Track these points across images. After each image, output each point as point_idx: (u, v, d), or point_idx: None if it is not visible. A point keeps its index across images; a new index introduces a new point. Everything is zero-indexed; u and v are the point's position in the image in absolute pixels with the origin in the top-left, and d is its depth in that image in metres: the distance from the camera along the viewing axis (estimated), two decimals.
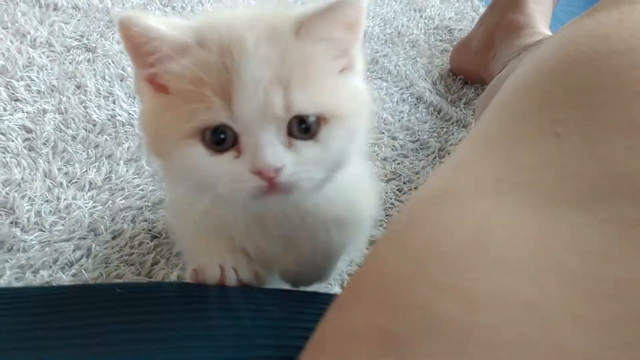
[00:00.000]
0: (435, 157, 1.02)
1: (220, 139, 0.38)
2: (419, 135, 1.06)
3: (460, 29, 1.46)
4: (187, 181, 0.41)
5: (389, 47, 1.33)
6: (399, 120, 1.09)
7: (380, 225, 0.86)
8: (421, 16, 1.49)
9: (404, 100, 1.16)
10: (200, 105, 0.36)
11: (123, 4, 1.24)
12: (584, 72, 0.30)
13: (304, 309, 0.43)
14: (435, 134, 1.08)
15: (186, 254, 0.53)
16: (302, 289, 0.57)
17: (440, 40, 1.41)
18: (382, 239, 0.31)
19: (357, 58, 0.43)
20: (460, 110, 1.16)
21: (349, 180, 0.46)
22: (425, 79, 1.24)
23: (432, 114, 1.14)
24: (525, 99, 0.32)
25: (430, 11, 1.52)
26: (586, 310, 0.19)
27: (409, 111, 1.13)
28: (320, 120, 0.39)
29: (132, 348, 0.38)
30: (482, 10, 1.58)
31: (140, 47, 0.38)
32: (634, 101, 0.26)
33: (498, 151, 0.30)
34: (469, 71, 1.23)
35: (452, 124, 1.12)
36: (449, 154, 1.04)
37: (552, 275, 0.21)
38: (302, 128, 0.38)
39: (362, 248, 0.59)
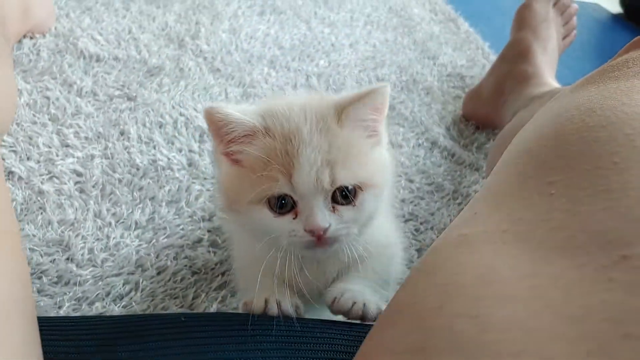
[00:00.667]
0: (449, 199, 1.10)
1: (282, 204, 0.51)
2: (434, 178, 1.14)
3: (472, 76, 1.55)
4: (253, 232, 0.54)
5: (404, 94, 1.42)
6: (415, 164, 1.17)
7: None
8: (434, 64, 1.58)
9: (419, 145, 1.24)
10: (268, 179, 0.49)
11: (159, 55, 1.34)
12: (574, 142, 0.37)
13: (339, 335, 0.51)
14: (449, 177, 1.16)
15: (242, 289, 0.65)
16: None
17: (453, 87, 1.49)
18: (411, 277, 0.39)
19: (383, 133, 0.56)
20: (472, 154, 1.24)
21: (382, 237, 0.59)
22: (439, 125, 1.32)
23: (446, 157, 1.22)
24: (526, 163, 0.40)
25: (443, 59, 1.61)
26: (564, 330, 0.26)
27: (424, 155, 1.21)
28: (357, 188, 0.51)
29: None
30: (492, 57, 1.67)
31: (221, 128, 0.51)
32: (610, 170, 0.33)
33: (504, 206, 0.38)
34: (480, 117, 1.32)
35: (465, 167, 1.20)
36: (462, 195, 1.11)
37: (541, 305, 0.28)
38: (343, 195, 0.51)
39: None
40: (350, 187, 0.51)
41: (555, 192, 0.35)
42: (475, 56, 1.66)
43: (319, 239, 0.50)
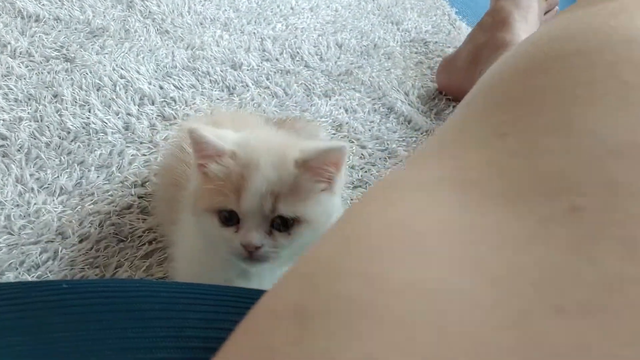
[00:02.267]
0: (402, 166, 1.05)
1: (229, 217, 0.56)
2: (388, 144, 1.09)
3: (436, 42, 1.50)
4: (204, 237, 0.60)
5: (364, 59, 1.36)
6: (369, 130, 1.12)
7: None
8: (398, 29, 1.52)
9: (375, 110, 1.19)
10: (221, 194, 0.55)
11: (104, 16, 1.27)
12: (541, 72, 0.30)
13: (237, 304, 0.46)
14: (404, 143, 1.11)
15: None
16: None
17: (416, 53, 1.44)
18: (330, 228, 0.33)
19: (337, 184, 0.60)
20: (431, 120, 1.19)
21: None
22: (397, 90, 1.27)
23: (402, 123, 1.17)
24: (483, 100, 0.32)
25: (407, 24, 1.55)
26: (480, 292, 0.20)
27: (380, 121, 1.16)
28: (295, 221, 0.56)
29: (73, 341, 0.40)
30: (459, 24, 1.62)
31: (198, 145, 0.57)
32: (578, 104, 0.26)
33: (448, 151, 0.31)
34: (454, 87, 1.26)
35: (422, 133, 1.15)
36: None
37: (461, 264, 0.22)
38: (283, 223, 0.56)
39: None
40: (288, 218, 0.56)
41: (508, 132, 0.28)
42: (441, 22, 1.61)
43: (250, 255, 0.56)
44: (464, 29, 1.60)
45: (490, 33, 1.20)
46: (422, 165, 0.30)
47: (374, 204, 0.29)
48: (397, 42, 1.46)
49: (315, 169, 0.57)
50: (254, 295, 0.47)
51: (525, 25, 1.19)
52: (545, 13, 1.30)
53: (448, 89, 1.28)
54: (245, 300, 0.46)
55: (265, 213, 0.55)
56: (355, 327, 0.21)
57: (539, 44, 0.32)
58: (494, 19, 1.23)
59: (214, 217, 0.57)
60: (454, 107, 1.26)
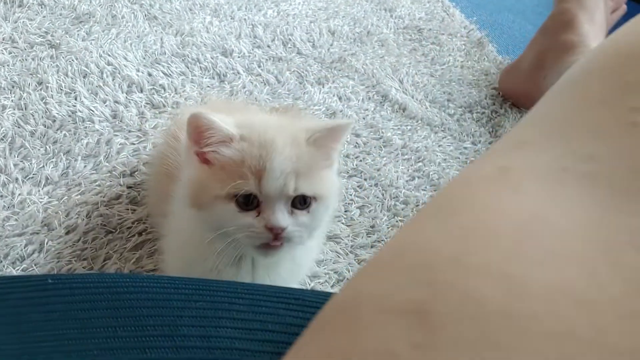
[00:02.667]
0: (398, 155, 1.03)
1: (247, 202, 0.55)
2: (382, 132, 1.07)
3: (430, 29, 1.47)
4: (211, 225, 0.57)
5: (357, 46, 1.33)
6: (364, 118, 1.10)
7: (339, 220, 0.87)
8: (391, 16, 1.49)
9: (369, 98, 1.16)
10: (240, 178, 0.54)
11: (90, 1, 1.23)
12: None
13: (234, 300, 0.43)
14: (399, 132, 1.09)
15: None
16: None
17: (410, 40, 1.41)
18: (423, 213, 0.28)
19: (335, 160, 0.62)
20: (426, 108, 1.17)
21: (305, 247, 0.64)
22: (392, 78, 1.24)
23: (397, 111, 1.14)
24: (598, 84, 0.29)
25: (400, 11, 1.52)
26: (636, 306, 0.18)
27: (374, 109, 1.13)
28: (312, 199, 0.57)
29: (56, 339, 0.38)
30: (452, 10, 1.60)
31: (202, 132, 0.55)
32: None
33: (565, 137, 0.27)
34: (518, 94, 1.24)
35: (417, 121, 1.13)
36: (411, 151, 1.04)
37: (609, 270, 0.19)
38: (301, 202, 0.57)
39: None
40: (308, 196, 0.56)
41: None
42: (434, 9, 1.58)
43: (276, 237, 0.55)
44: (458, 16, 1.57)
45: (554, 37, 1.16)
46: (537, 149, 0.27)
47: (493, 192, 0.25)
48: (391, 29, 1.44)
49: (323, 146, 0.58)
50: (255, 290, 0.45)
51: (592, 27, 1.15)
52: (612, 12, 1.26)
53: (512, 95, 1.26)
54: (244, 295, 0.44)
55: (288, 193, 0.55)
56: (493, 336, 0.18)
57: None
58: (558, 21, 1.19)
59: (231, 204, 0.56)
60: (449, 95, 1.24)
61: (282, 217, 0.55)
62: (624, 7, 1.29)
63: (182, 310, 0.42)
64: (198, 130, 0.56)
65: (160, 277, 0.45)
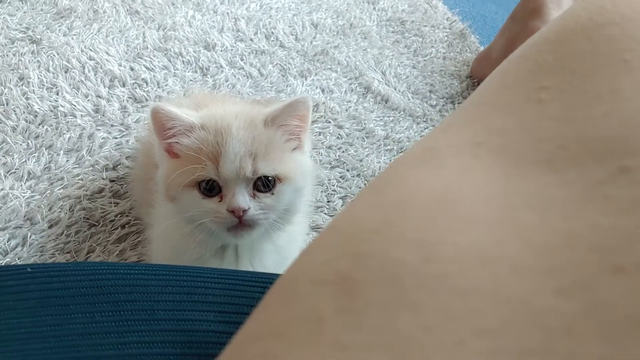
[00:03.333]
0: (380, 145, 1.04)
1: (211, 187, 0.56)
2: (365, 123, 1.08)
3: (413, 21, 1.48)
4: (183, 215, 0.59)
5: (340, 38, 1.34)
6: (346, 110, 1.11)
7: (321, 211, 0.88)
8: (374, 8, 1.50)
9: (352, 90, 1.17)
10: (199, 166, 0.55)
11: None
12: (577, 41, 0.29)
13: (210, 285, 0.44)
14: (381, 123, 1.10)
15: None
16: None
17: (393, 32, 1.42)
18: (359, 195, 0.31)
19: (305, 142, 0.62)
20: (409, 99, 1.18)
21: (289, 237, 0.66)
22: (375, 70, 1.25)
23: (379, 103, 1.15)
24: (517, 67, 0.32)
25: (383, 3, 1.53)
26: (532, 261, 0.19)
27: (357, 100, 1.14)
28: (276, 180, 0.57)
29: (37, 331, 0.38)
30: (435, 2, 1.61)
31: (164, 124, 0.57)
32: (618, 69, 0.26)
33: (483, 116, 0.30)
34: None
35: (399, 112, 1.14)
36: (394, 141, 1.05)
37: (510, 231, 0.21)
38: (264, 184, 0.57)
39: None
40: (270, 177, 0.57)
41: (547, 98, 0.27)
42: (417, 1, 1.59)
43: (240, 220, 0.56)
44: (440, 8, 1.58)
45: (523, 23, 1.18)
46: (458, 129, 0.29)
47: (417, 170, 0.28)
48: (374, 21, 1.44)
49: (284, 126, 0.59)
50: (231, 276, 0.45)
51: (560, 12, 1.17)
52: None
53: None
54: (220, 280, 0.45)
55: (246, 175, 0.55)
56: (410, 296, 0.20)
57: (576, 14, 0.31)
58: (527, 8, 1.21)
59: (194, 191, 0.57)
60: (431, 86, 1.25)
61: (242, 199, 0.56)
62: None
63: (159, 295, 0.42)
64: (160, 123, 0.57)
65: (138, 264, 0.46)
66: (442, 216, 0.23)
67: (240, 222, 0.56)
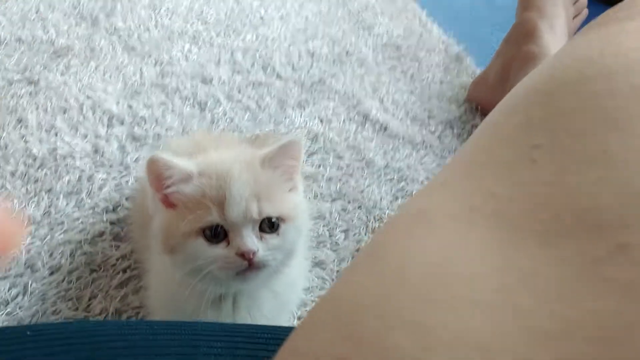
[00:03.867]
0: (380, 175, 1.03)
1: (216, 233, 0.56)
2: (364, 153, 1.08)
3: (409, 45, 1.48)
4: (186, 266, 0.57)
5: (337, 66, 1.34)
6: (345, 140, 1.11)
7: (324, 246, 0.87)
8: (369, 34, 1.51)
9: (350, 119, 1.17)
10: (203, 212, 0.55)
11: (68, 35, 1.24)
12: (565, 96, 0.28)
13: (213, 344, 0.43)
14: (381, 152, 1.10)
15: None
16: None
17: (389, 58, 1.43)
18: (354, 262, 0.30)
19: (298, 182, 0.62)
20: (407, 126, 1.18)
21: (288, 281, 0.66)
22: (372, 97, 1.25)
23: (378, 131, 1.15)
24: (507, 122, 0.31)
25: (378, 29, 1.54)
26: (534, 352, 0.19)
27: (355, 130, 1.14)
28: (280, 220, 0.58)
29: None
30: (430, 26, 1.61)
31: (161, 175, 0.56)
32: (608, 130, 0.25)
33: (475, 176, 0.28)
34: (486, 104, 1.25)
35: (399, 140, 1.14)
36: (394, 171, 1.05)
37: (507, 315, 0.21)
38: (269, 226, 0.57)
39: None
40: (274, 219, 0.57)
41: (539, 159, 0.26)
42: (412, 25, 1.60)
43: (250, 263, 0.55)
44: (435, 31, 1.59)
45: (517, 47, 1.19)
46: (453, 188, 0.28)
47: (412, 236, 0.27)
48: (370, 47, 1.45)
49: (280, 167, 0.59)
50: (232, 332, 0.45)
51: (553, 35, 1.17)
52: (574, 17, 1.28)
53: (481, 105, 1.28)
54: (222, 338, 0.44)
55: (253, 217, 0.55)
56: None
57: (565, 64, 0.31)
58: (520, 31, 1.21)
59: (199, 239, 0.56)
60: (429, 112, 1.25)
61: (251, 242, 0.55)
62: (586, 12, 1.32)
63: (163, 357, 0.42)
64: (157, 174, 0.57)
65: (140, 322, 0.45)
66: (440, 296, 0.23)
67: (250, 265, 0.56)
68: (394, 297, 0.24)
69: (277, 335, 0.46)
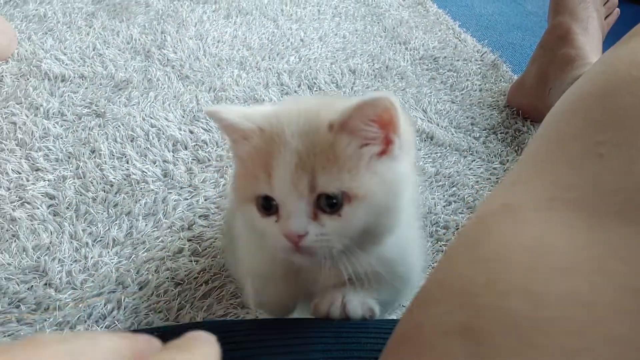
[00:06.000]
0: (432, 182, 1.08)
1: (268, 204, 0.48)
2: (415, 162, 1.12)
3: (445, 57, 1.53)
4: (251, 231, 0.53)
5: (378, 81, 1.40)
6: None
7: None
8: (406, 48, 1.56)
9: None
10: (254, 179, 0.48)
11: (125, 69, 1.32)
12: (621, 96, 0.33)
13: (322, 333, 0.49)
14: (430, 160, 1.14)
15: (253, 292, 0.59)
16: None
17: (427, 69, 1.48)
18: (453, 249, 0.36)
19: (397, 146, 0.48)
20: (452, 134, 1.23)
21: (396, 244, 0.53)
22: (415, 108, 1.30)
23: (425, 140, 1.20)
24: (569, 122, 0.36)
25: (414, 43, 1.59)
26: (629, 303, 0.24)
27: None
28: (345, 198, 0.46)
29: None
30: (464, 36, 1.66)
31: (225, 128, 0.50)
32: None
33: (548, 172, 0.34)
34: (526, 109, 1.29)
35: (445, 148, 1.18)
36: (445, 177, 1.10)
37: (601, 277, 0.26)
38: (329, 203, 0.46)
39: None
40: (333, 196, 0.46)
41: (605, 153, 0.31)
42: (446, 37, 1.65)
43: (296, 246, 0.47)
44: (470, 41, 1.64)
45: (552, 51, 1.22)
46: (526, 185, 0.34)
47: (502, 225, 0.33)
48: (407, 61, 1.50)
49: (357, 132, 0.47)
50: (339, 323, 0.50)
51: (587, 37, 1.20)
52: (606, 17, 1.31)
53: (520, 109, 1.31)
54: (330, 329, 0.49)
55: (303, 192, 0.46)
56: (525, 339, 0.25)
57: (615, 69, 0.36)
58: (554, 36, 1.25)
59: (253, 207, 0.50)
60: (472, 119, 1.29)
61: (297, 222, 0.47)
62: (617, 11, 1.34)
63: (277, 348, 0.47)
64: (222, 127, 0.51)
65: (259, 320, 0.51)
66: (540, 267, 0.28)
67: (297, 249, 0.47)
68: (501, 274, 0.29)
69: (374, 324, 0.51)
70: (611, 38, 1.39)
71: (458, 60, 1.53)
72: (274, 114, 0.50)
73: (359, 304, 0.53)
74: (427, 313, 0.33)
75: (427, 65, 1.50)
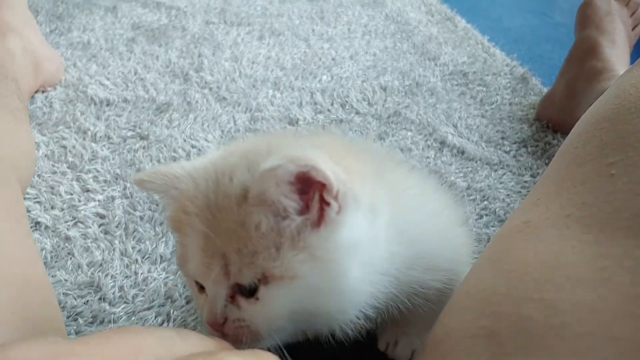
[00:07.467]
0: (464, 196, 1.11)
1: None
2: (446, 177, 1.15)
3: (475, 72, 1.56)
4: None
5: (409, 98, 1.43)
6: (427, 166, 1.19)
7: None
8: (436, 64, 1.60)
9: (428, 146, 1.26)
10: (179, 254, 0.45)
11: (165, 92, 1.38)
12: (632, 120, 0.37)
13: None
14: (461, 174, 1.17)
15: None
16: None
17: (457, 85, 1.51)
18: (479, 263, 0.41)
19: (332, 210, 0.40)
20: (483, 148, 1.25)
21: (437, 281, 0.48)
22: (446, 124, 1.33)
23: (456, 155, 1.23)
24: (584, 145, 0.40)
25: (444, 58, 1.62)
26: (631, 309, 0.27)
27: (435, 155, 1.22)
28: (262, 279, 0.40)
29: None
30: (493, 50, 1.69)
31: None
32: None
33: (564, 191, 0.38)
34: (556, 122, 1.31)
35: (476, 162, 1.21)
36: (476, 191, 1.12)
37: (608, 286, 0.29)
38: (242, 290, 0.42)
39: None
40: (249, 283, 0.41)
41: (616, 173, 0.35)
42: (475, 51, 1.68)
43: (222, 334, 0.42)
44: (499, 55, 1.66)
45: (581, 64, 1.23)
46: (547, 203, 0.39)
47: (523, 241, 0.38)
48: (437, 77, 1.54)
49: (271, 204, 0.39)
50: None
51: (615, 49, 1.22)
52: (633, 28, 1.33)
53: (552, 124, 1.33)
54: None
55: (217, 279, 0.41)
56: (542, 342, 0.30)
57: (627, 93, 0.40)
58: (581, 49, 1.26)
59: (192, 280, 0.46)
60: (502, 133, 1.32)
61: (213, 309, 0.41)
62: None
63: None
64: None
65: None
66: (554, 279, 0.32)
67: (223, 336, 0.41)
68: (521, 284, 0.34)
69: None
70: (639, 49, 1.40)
71: (487, 74, 1.56)
72: (189, 175, 0.43)
73: (406, 345, 0.54)
74: (457, 319, 0.38)
75: (457, 80, 1.53)
